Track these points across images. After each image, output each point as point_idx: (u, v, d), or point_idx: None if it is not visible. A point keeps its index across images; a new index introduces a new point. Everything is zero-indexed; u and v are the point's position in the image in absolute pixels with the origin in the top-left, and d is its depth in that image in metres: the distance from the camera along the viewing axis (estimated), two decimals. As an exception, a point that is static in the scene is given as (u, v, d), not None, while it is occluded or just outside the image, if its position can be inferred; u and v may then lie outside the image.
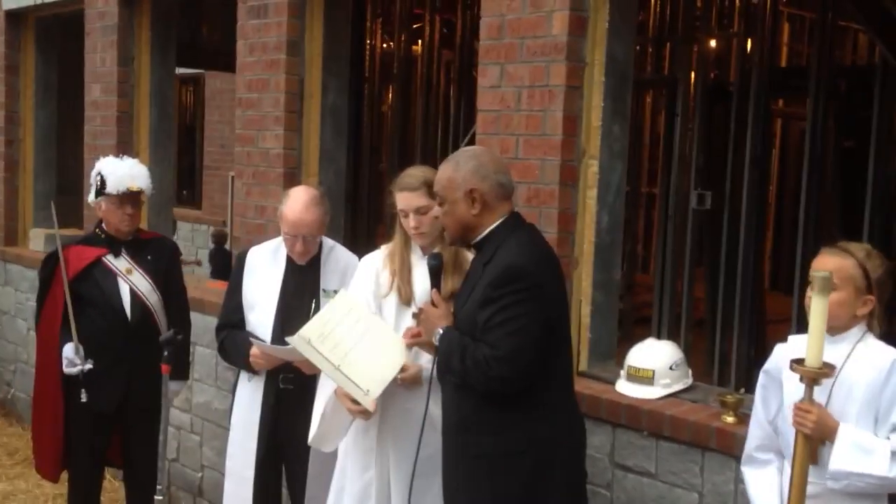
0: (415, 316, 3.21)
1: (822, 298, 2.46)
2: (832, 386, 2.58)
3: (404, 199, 3.24)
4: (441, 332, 2.90)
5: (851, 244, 2.68)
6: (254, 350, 3.58)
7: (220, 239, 9.66)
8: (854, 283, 2.60)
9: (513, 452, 2.85)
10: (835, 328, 2.63)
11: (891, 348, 2.61)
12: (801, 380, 2.54)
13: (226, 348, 3.76)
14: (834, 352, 2.60)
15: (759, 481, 2.80)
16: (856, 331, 2.64)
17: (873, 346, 2.62)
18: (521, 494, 2.85)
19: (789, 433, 2.65)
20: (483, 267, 2.87)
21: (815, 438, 2.54)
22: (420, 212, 3.21)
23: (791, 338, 2.82)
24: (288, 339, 3.21)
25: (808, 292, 2.59)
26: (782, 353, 2.76)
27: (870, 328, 2.66)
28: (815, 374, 2.50)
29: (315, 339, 3.14)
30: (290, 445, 3.65)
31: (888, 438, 2.55)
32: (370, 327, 3.20)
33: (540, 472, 2.85)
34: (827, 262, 2.62)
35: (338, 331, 3.17)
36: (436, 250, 3.18)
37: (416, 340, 3.07)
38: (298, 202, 3.58)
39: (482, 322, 2.79)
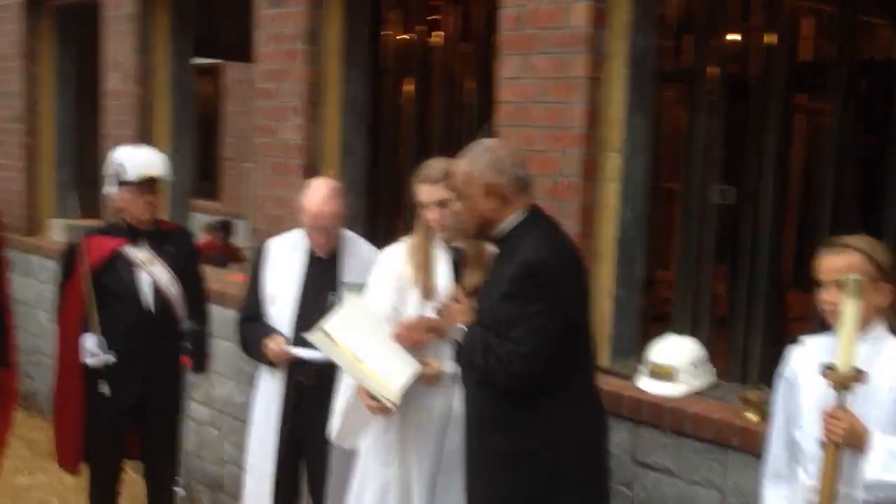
0: (438, 311, 3.19)
1: (855, 301, 2.41)
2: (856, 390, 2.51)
3: (425, 192, 3.21)
4: (463, 328, 2.87)
5: (849, 238, 2.62)
6: (270, 343, 3.57)
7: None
8: (869, 277, 2.53)
9: (529, 451, 2.84)
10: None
11: None
12: (833, 386, 2.48)
13: (246, 342, 3.75)
14: (860, 353, 2.52)
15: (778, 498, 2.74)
16: (879, 330, 2.58)
17: None
18: (536, 492, 2.83)
19: (806, 439, 2.61)
20: (504, 262, 2.84)
21: (844, 447, 2.47)
22: (441, 204, 3.18)
23: (806, 339, 2.75)
24: (306, 335, 3.18)
25: (822, 296, 2.57)
26: (798, 356, 2.71)
27: (890, 322, 2.60)
28: (847, 381, 2.44)
29: (335, 333, 3.13)
30: (310, 441, 3.64)
31: None
32: (384, 335, 3.17)
33: (556, 471, 2.83)
34: (836, 263, 2.56)
35: (357, 328, 3.15)
36: (458, 244, 3.15)
37: (434, 335, 3.08)
38: (318, 194, 3.57)
39: (504, 318, 2.77)
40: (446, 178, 3.14)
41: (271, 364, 3.64)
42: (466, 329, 2.87)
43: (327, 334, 3.13)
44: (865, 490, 2.47)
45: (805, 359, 2.68)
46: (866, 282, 2.51)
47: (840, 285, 2.51)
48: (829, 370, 2.47)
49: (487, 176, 2.85)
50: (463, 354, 2.89)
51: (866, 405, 2.50)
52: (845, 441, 2.45)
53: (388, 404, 3.07)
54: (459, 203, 2.94)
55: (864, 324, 2.56)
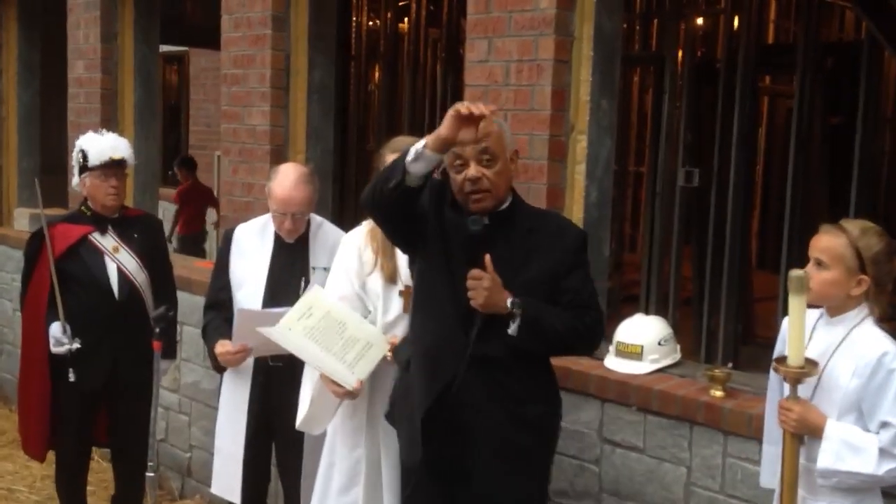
0: (401, 294, 3.19)
1: (799, 298, 2.45)
2: (822, 372, 2.55)
3: None
4: (518, 300, 2.72)
5: (850, 221, 2.62)
6: (219, 349, 3.56)
7: None
8: (844, 263, 2.54)
9: (556, 412, 2.98)
10: (833, 309, 2.60)
11: (884, 339, 2.53)
12: (785, 380, 2.54)
13: (208, 334, 3.73)
14: (832, 335, 2.59)
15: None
16: (854, 313, 2.58)
17: (867, 334, 2.55)
18: (553, 450, 3.04)
19: None
20: (529, 234, 2.83)
21: (801, 435, 2.53)
22: None
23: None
24: (264, 330, 3.17)
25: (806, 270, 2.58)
26: (785, 328, 2.73)
27: (870, 310, 2.59)
28: (797, 374, 2.49)
29: (295, 326, 3.13)
30: (279, 423, 3.63)
31: (878, 433, 2.49)
32: (346, 320, 3.17)
33: (559, 424, 3.04)
34: (821, 241, 2.59)
35: (318, 318, 3.15)
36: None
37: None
38: (288, 179, 3.54)
39: (575, 287, 2.82)
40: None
41: (218, 368, 3.66)
42: (528, 300, 2.73)
43: (287, 328, 3.13)
44: (820, 476, 2.52)
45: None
46: (840, 268, 2.54)
47: (815, 262, 2.57)
48: (779, 364, 2.52)
49: (512, 143, 2.87)
50: (531, 326, 2.73)
51: (831, 389, 2.54)
52: (798, 430, 2.51)
53: (351, 388, 3.08)
54: (492, 169, 2.76)
55: (837, 311, 2.60)
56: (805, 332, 2.51)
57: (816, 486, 2.57)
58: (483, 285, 2.69)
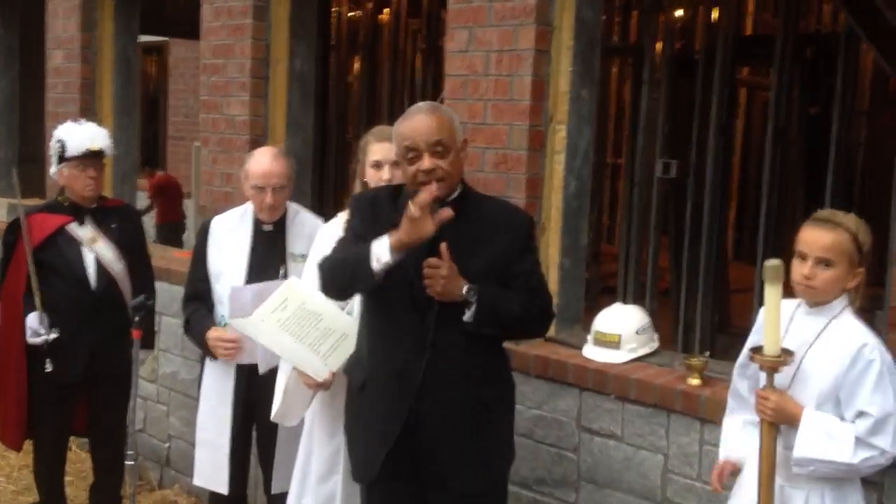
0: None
1: (775, 287, 2.46)
2: (800, 362, 2.57)
3: (385, 151, 3.14)
4: (474, 287, 2.73)
5: (839, 215, 2.58)
6: (213, 333, 3.56)
7: None
8: (849, 258, 2.53)
9: (511, 398, 3.01)
10: (819, 302, 2.60)
11: (863, 330, 2.54)
12: (761, 369, 2.55)
13: (193, 323, 3.71)
14: (813, 324, 2.60)
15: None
16: (835, 304, 2.58)
17: (847, 325, 2.56)
18: (510, 434, 3.04)
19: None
20: (479, 221, 2.83)
21: (778, 424, 2.54)
22: (398, 166, 3.14)
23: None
24: (236, 322, 3.17)
25: (800, 268, 2.55)
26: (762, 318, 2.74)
27: (851, 301, 2.59)
28: (773, 364, 2.51)
29: (270, 318, 3.13)
30: (261, 413, 3.61)
31: (854, 422, 2.50)
32: (322, 312, 3.16)
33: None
34: (822, 239, 2.53)
35: (293, 310, 3.15)
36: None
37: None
38: (265, 155, 3.62)
39: (526, 270, 2.85)
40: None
41: (210, 354, 3.62)
42: (483, 287, 2.74)
43: (261, 320, 3.14)
44: (795, 464, 2.54)
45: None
46: (844, 264, 2.53)
47: (818, 261, 2.53)
48: (756, 353, 2.54)
49: (461, 132, 2.86)
50: (487, 311, 2.75)
51: (808, 378, 2.56)
52: (775, 419, 2.53)
53: (321, 380, 3.09)
54: (445, 159, 2.74)
55: (818, 302, 2.60)
56: (781, 321, 2.53)
57: (794, 474, 2.59)
58: (441, 273, 2.70)
